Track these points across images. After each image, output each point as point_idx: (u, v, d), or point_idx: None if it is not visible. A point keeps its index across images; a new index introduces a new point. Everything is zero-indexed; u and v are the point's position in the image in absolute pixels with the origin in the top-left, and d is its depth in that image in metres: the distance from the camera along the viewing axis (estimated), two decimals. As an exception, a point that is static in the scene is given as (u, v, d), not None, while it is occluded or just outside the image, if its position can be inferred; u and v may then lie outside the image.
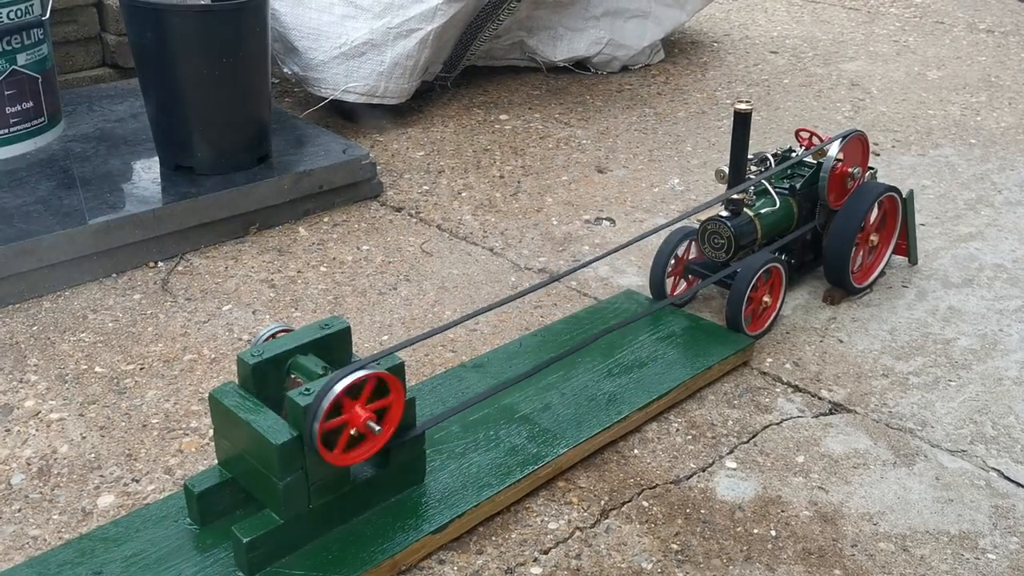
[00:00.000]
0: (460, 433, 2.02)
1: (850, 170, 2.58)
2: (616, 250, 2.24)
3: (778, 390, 2.29)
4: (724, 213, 2.46)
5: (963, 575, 1.77)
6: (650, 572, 1.76)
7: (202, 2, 2.82)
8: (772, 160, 2.64)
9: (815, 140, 2.74)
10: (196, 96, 2.85)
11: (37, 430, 2.09)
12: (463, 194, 3.27)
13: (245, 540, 1.63)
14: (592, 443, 2.03)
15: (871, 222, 2.65)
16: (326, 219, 3.07)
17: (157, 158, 3.03)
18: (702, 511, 1.91)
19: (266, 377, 1.72)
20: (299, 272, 2.75)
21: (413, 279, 2.73)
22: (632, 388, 2.17)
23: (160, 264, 2.77)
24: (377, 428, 1.67)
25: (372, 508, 1.80)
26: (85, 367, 2.30)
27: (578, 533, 1.85)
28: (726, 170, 2.54)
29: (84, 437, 2.07)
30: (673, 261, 2.54)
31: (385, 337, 2.45)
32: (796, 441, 2.12)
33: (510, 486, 1.88)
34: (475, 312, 1.93)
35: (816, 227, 2.65)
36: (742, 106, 2.43)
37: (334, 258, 2.83)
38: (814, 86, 4.45)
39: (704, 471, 2.02)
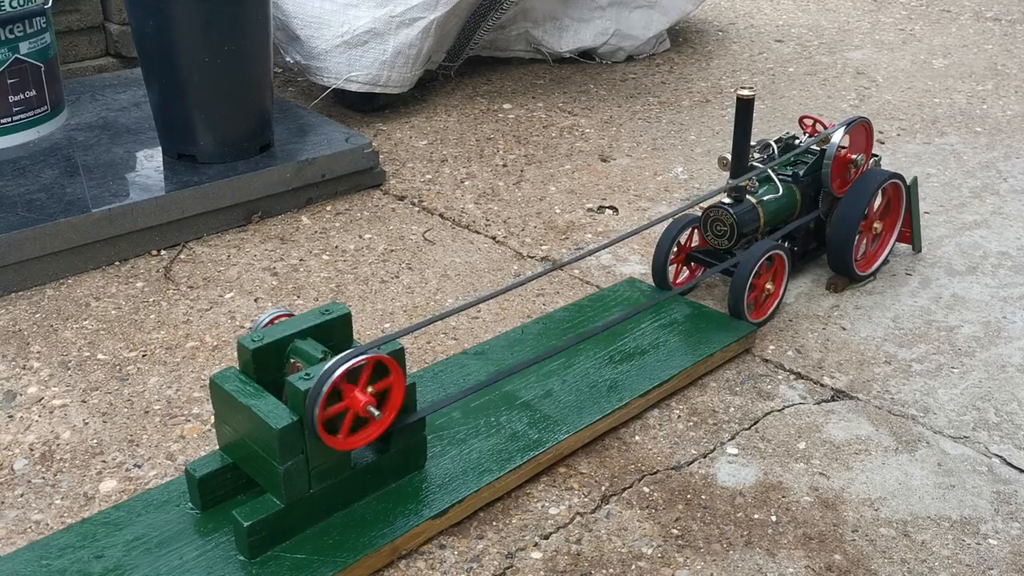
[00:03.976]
0: (461, 419, 2.02)
1: (853, 157, 2.57)
2: (620, 239, 2.23)
3: (780, 377, 2.28)
4: (727, 200, 2.45)
5: (964, 560, 1.77)
6: (650, 557, 1.76)
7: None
8: (775, 147, 2.63)
9: (819, 127, 2.73)
10: (198, 85, 2.85)
11: (40, 416, 2.09)
12: (466, 183, 3.26)
13: (246, 524, 1.63)
14: (593, 429, 2.03)
15: (874, 210, 2.64)
16: (328, 208, 3.07)
17: (160, 147, 3.03)
18: (703, 497, 1.91)
19: (267, 362, 1.72)
20: (301, 260, 2.75)
21: (415, 267, 2.73)
22: (633, 375, 2.17)
23: (163, 252, 2.77)
24: (377, 413, 1.67)
25: (373, 493, 1.80)
26: (88, 354, 2.31)
27: (579, 518, 1.85)
28: (729, 157, 2.54)
29: (86, 423, 2.07)
30: (675, 249, 2.53)
31: (387, 325, 2.45)
32: (798, 427, 2.11)
33: (511, 472, 1.88)
34: (476, 300, 1.92)
35: (819, 215, 2.65)
36: (744, 92, 2.41)
37: (336, 246, 2.83)
38: (819, 75, 4.44)
39: (705, 457, 2.02)
